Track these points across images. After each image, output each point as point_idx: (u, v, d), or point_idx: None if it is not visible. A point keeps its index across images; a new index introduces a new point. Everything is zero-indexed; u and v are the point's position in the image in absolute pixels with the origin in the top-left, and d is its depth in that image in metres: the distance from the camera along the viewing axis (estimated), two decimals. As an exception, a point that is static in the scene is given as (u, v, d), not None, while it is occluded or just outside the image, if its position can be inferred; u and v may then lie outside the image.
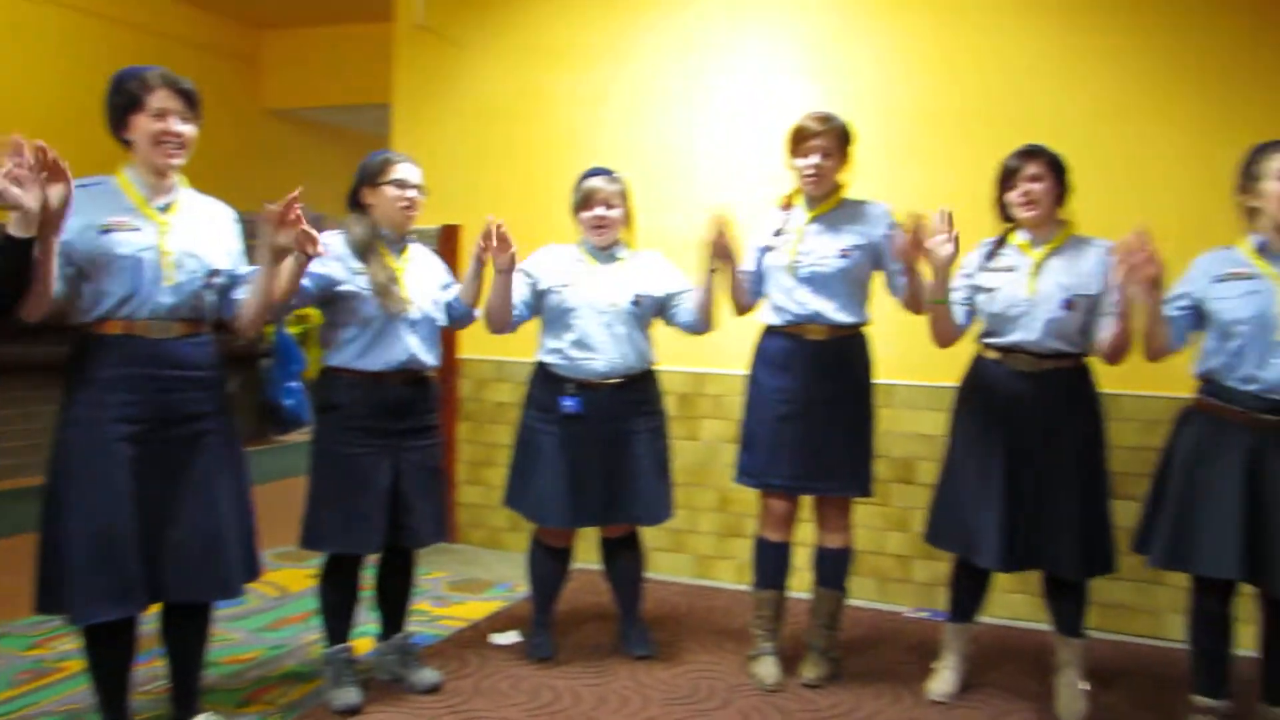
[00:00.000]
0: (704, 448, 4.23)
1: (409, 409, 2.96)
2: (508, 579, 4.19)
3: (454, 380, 4.62)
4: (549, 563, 3.36)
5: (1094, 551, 2.92)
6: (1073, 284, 2.86)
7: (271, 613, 3.77)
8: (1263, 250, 2.66)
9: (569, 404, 3.17)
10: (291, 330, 7.06)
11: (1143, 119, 3.69)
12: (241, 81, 7.46)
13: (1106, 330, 2.83)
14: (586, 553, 3.58)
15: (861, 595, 3.90)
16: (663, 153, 4.29)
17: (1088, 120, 3.71)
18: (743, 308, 3.25)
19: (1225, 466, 2.64)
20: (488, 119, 4.63)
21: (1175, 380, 3.24)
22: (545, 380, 3.25)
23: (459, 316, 3.13)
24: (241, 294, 2.63)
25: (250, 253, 2.66)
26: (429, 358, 3.00)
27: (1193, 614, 2.82)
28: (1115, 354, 2.84)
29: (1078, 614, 3.02)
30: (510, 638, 3.51)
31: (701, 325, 3.23)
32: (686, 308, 3.24)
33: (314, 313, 4.50)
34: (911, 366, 3.73)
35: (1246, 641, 2.95)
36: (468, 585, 4.16)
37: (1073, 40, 3.75)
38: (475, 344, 4.55)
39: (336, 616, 3.02)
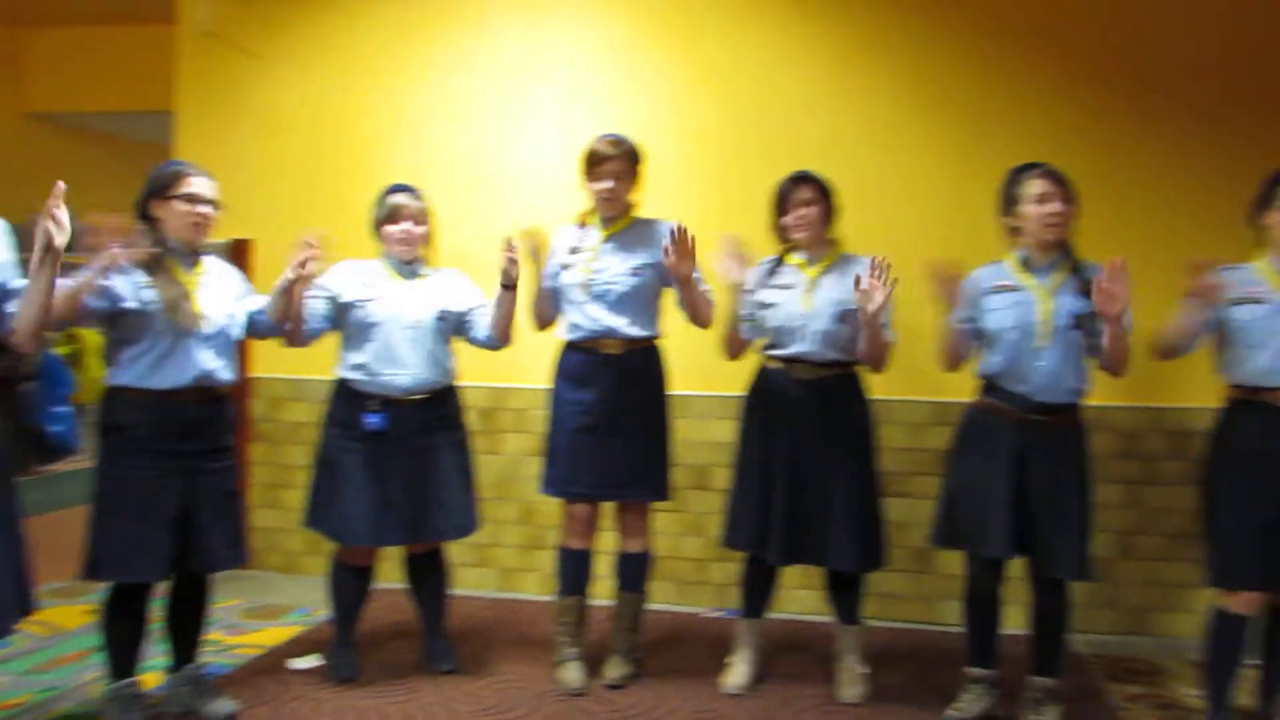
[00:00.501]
0: (507, 462, 4.27)
1: (202, 429, 2.86)
2: (306, 603, 4.08)
3: (247, 400, 4.46)
4: (351, 582, 3.31)
5: (867, 546, 3.16)
6: (844, 299, 3.10)
7: (43, 653, 3.53)
8: (1026, 264, 2.98)
9: (372, 420, 3.15)
10: (60, 350, 6.58)
11: (909, 145, 4.02)
12: (1, 83, 6.93)
13: (863, 342, 3.10)
14: (387, 572, 3.55)
15: (661, 598, 4.04)
16: (463, 168, 4.32)
17: (860, 145, 4.01)
18: (543, 323, 3.33)
19: (998, 459, 2.94)
20: (281, 130, 4.52)
21: (940, 386, 3.57)
22: (347, 397, 3.21)
23: (263, 329, 3.06)
24: (12, 307, 2.49)
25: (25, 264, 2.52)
26: (225, 374, 2.91)
27: (967, 593, 3.10)
28: (874, 363, 3.11)
29: (855, 604, 3.27)
30: (310, 662, 3.43)
31: (498, 341, 3.28)
32: (484, 324, 3.29)
33: (87, 333, 4.26)
34: (705, 377, 3.91)
35: (1015, 621, 3.26)
36: (263, 612, 4.02)
37: (845, 72, 4.05)
38: (269, 362, 4.41)
39: (121, 650, 2.88)
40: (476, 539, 3.59)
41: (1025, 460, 2.92)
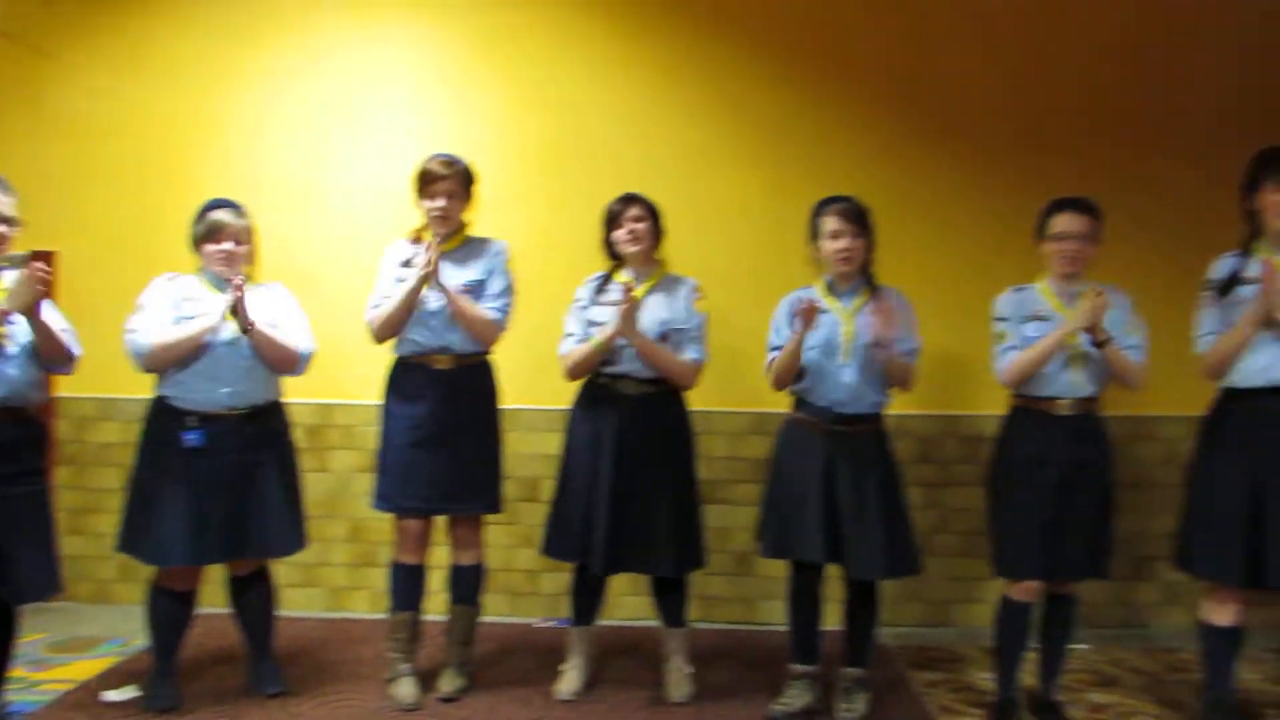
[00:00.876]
0: (335, 479, 4.22)
1: (7, 451, 2.72)
2: (120, 633, 3.90)
3: (51, 421, 4.22)
4: (171, 607, 3.20)
5: (688, 550, 3.31)
6: (668, 317, 3.25)
7: None
8: (831, 289, 3.19)
9: (191, 437, 3.07)
10: None
11: (723, 167, 4.22)
12: None
13: (687, 355, 3.26)
14: (209, 596, 3.45)
15: (494, 611, 4.07)
16: (290, 183, 4.23)
17: (677, 166, 4.18)
18: (382, 337, 3.32)
19: (809, 469, 3.13)
20: (90, 137, 4.29)
21: (759, 398, 3.76)
22: (164, 414, 3.12)
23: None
24: None
25: None
26: (32, 392, 2.78)
27: (790, 594, 3.28)
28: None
29: (680, 607, 3.41)
30: (126, 694, 3.29)
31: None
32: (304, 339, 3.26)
33: None
34: (534, 391, 3.99)
35: (834, 618, 3.46)
36: (72, 644, 3.82)
37: (663, 94, 4.21)
38: (75, 381, 4.16)
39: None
40: (304, 558, 3.55)
41: (834, 469, 3.13)
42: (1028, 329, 3.09)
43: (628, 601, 4.10)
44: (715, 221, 4.18)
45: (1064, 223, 3.07)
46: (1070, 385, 3.06)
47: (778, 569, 4.07)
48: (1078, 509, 3.06)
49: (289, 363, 3.20)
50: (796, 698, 3.24)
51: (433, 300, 3.21)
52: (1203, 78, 4.13)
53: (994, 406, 3.40)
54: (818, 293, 3.21)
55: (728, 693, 3.41)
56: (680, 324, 3.27)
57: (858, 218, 3.14)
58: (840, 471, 3.11)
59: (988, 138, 4.17)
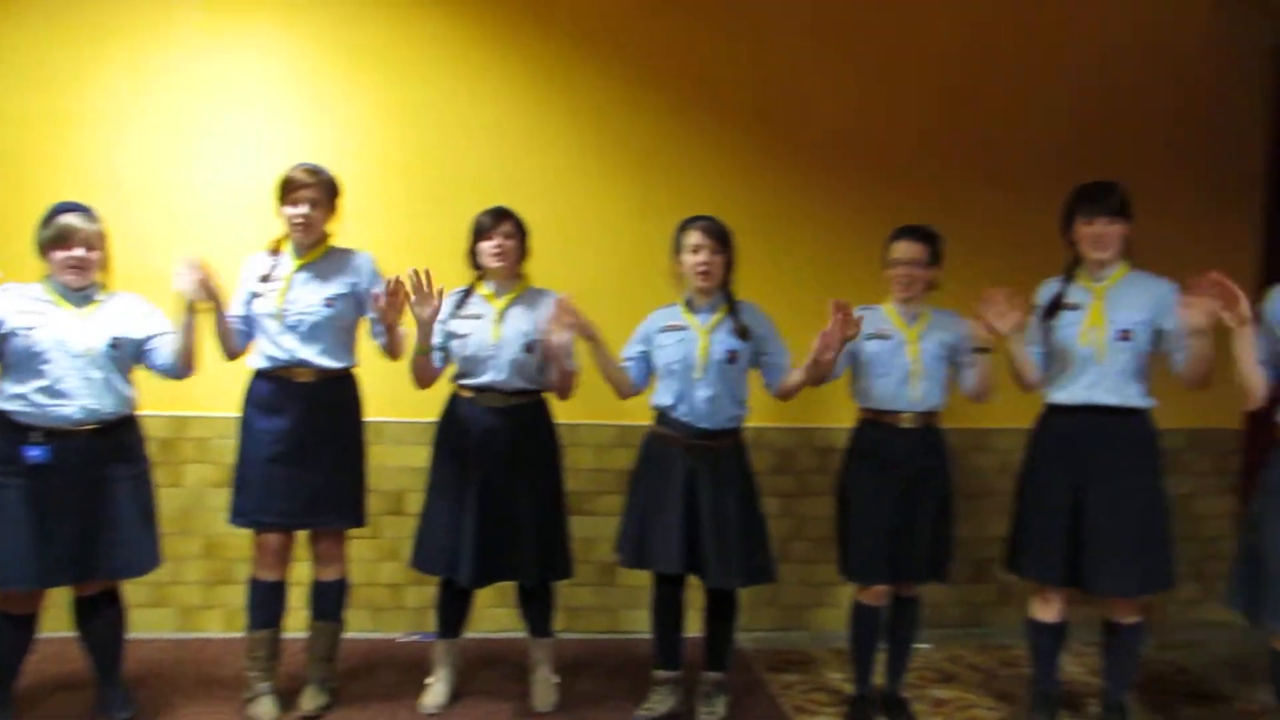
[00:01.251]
0: (188, 494, 4.08)
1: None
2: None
3: None
4: (9, 633, 3.05)
5: (554, 560, 3.37)
6: (531, 330, 3.30)
7: None
8: (690, 306, 3.30)
9: (35, 453, 2.94)
10: None
11: (588, 185, 4.27)
12: None
13: (553, 373, 3.33)
14: (50, 620, 3.29)
15: (356, 626, 4.02)
16: (144, 185, 4.07)
17: (542, 182, 4.20)
18: (232, 352, 3.26)
19: (670, 481, 3.23)
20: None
21: (623, 411, 3.84)
22: (6, 429, 2.97)
23: None
24: None
25: None
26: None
27: (654, 603, 3.37)
28: (561, 392, 3.36)
29: (546, 618, 3.46)
30: (-43, 724, 3.11)
31: (180, 369, 3.17)
32: (165, 351, 3.17)
33: None
34: (397, 403, 3.95)
35: (695, 624, 3.57)
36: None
37: (528, 110, 4.22)
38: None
39: None
40: (155, 577, 3.42)
41: (695, 482, 3.23)
42: (869, 345, 3.28)
43: (493, 613, 4.11)
44: (581, 238, 4.24)
45: (902, 250, 3.29)
46: (911, 400, 3.26)
47: (641, 578, 4.16)
48: (919, 516, 3.26)
49: (194, 365, 3.17)
50: (660, 703, 3.34)
51: (293, 313, 3.17)
52: (1035, 117, 4.43)
53: (845, 419, 3.58)
54: (679, 310, 3.32)
55: (593, 701, 3.48)
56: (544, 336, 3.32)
57: (718, 235, 3.26)
58: (701, 484, 3.22)
59: (839, 164, 4.37)
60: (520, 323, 3.31)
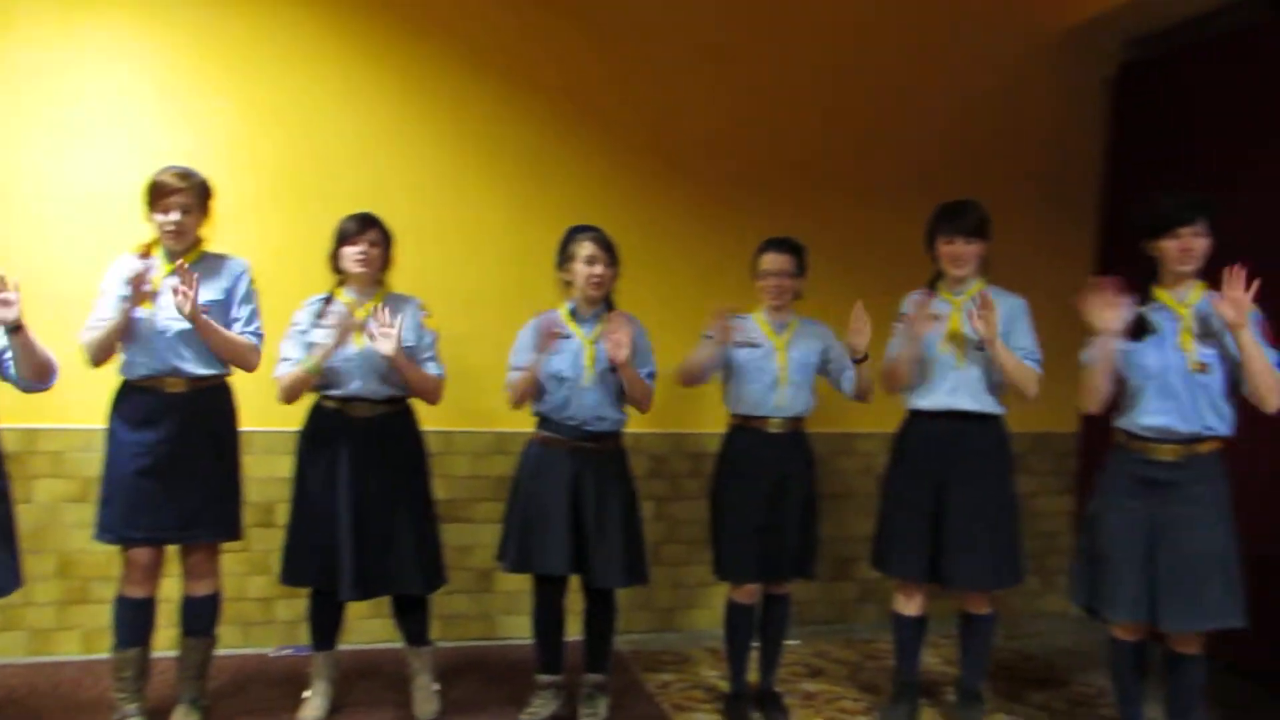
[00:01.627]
0: (41, 510, 3.88)
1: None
2: None
3: None
4: None
5: (427, 568, 3.36)
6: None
7: None
8: (574, 315, 3.36)
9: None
10: None
11: (466, 192, 4.28)
12: None
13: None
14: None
15: (227, 642, 3.91)
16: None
17: (418, 188, 4.20)
18: (98, 361, 3.13)
19: (554, 484, 3.28)
20: None
21: (499, 418, 3.87)
22: None
23: None
24: None
25: None
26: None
27: (535, 608, 3.40)
28: (428, 396, 3.37)
29: (424, 626, 3.45)
30: None
31: (32, 384, 2.99)
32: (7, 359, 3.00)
33: None
34: (268, 414, 3.85)
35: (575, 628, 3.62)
36: None
37: (403, 116, 4.21)
38: None
39: None
40: (4, 599, 3.26)
41: (579, 484, 3.29)
42: (740, 353, 3.41)
43: (368, 625, 4.07)
44: (456, 247, 4.24)
45: (770, 261, 3.43)
46: (778, 406, 3.40)
47: (518, 584, 4.20)
48: (787, 517, 3.40)
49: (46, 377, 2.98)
50: (543, 707, 3.38)
51: (162, 319, 3.08)
52: (897, 137, 4.69)
53: (716, 425, 3.70)
54: (561, 317, 3.37)
55: (475, 707, 3.49)
56: (411, 343, 3.31)
57: (610, 247, 3.33)
58: (585, 486, 3.28)
59: (713, 175, 4.51)
60: None
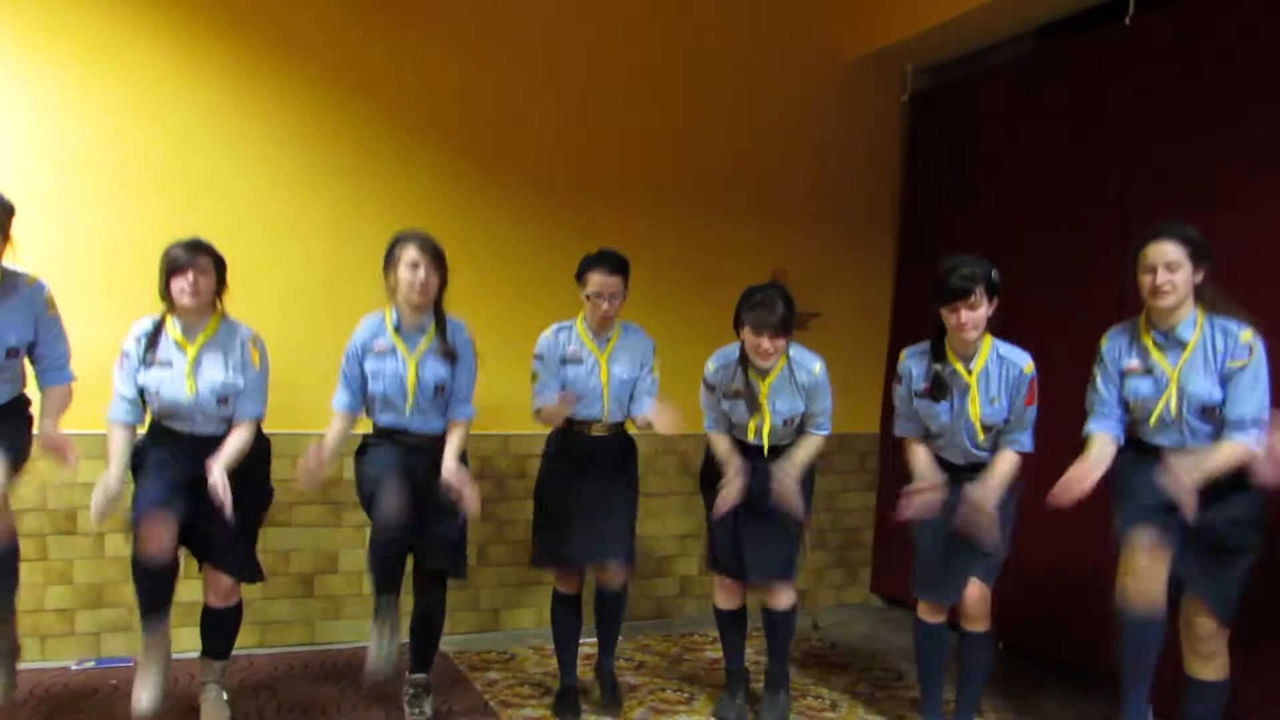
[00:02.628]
0: None
1: None
2: None
3: None
4: None
5: (245, 567, 3.27)
6: (224, 380, 3.19)
7: None
8: (398, 328, 3.32)
9: None
10: None
11: (293, 188, 4.19)
12: None
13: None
14: None
15: (25, 656, 3.69)
16: None
17: (245, 183, 4.10)
18: None
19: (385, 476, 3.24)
20: None
21: (322, 420, 3.80)
22: None
23: None
24: None
25: None
26: None
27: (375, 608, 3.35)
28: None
29: (226, 640, 3.34)
30: None
31: None
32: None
33: None
34: (75, 415, 3.67)
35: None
36: None
37: (231, 110, 4.09)
38: None
39: None
40: None
41: (413, 475, 3.26)
42: (567, 370, 3.50)
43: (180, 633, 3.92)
44: (282, 243, 4.14)
45: (598, 283, 3.43)
46: (603, 413, 3.51)
47: (340, 588, 4.17)
48: (609, 509, 3.49)
49: None
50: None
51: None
52: (701, 154, 4.89)
53: (544, 427, 3.77)
54: (386, 327, 3.33)
55: (297, 713, 3.43)
56: (234, 385, 3.23)
57: (435, 252, 3.29)
58: (417, 481, 3.26)
59: (542, 182, 4.58)
60: (213, 372, 3.19)
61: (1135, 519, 2.92)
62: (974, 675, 3.34)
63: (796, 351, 3.44)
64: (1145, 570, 2.87)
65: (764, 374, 3.41)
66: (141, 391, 3.19)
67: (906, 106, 5.24)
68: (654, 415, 3.43)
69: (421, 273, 3.25)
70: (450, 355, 3.34)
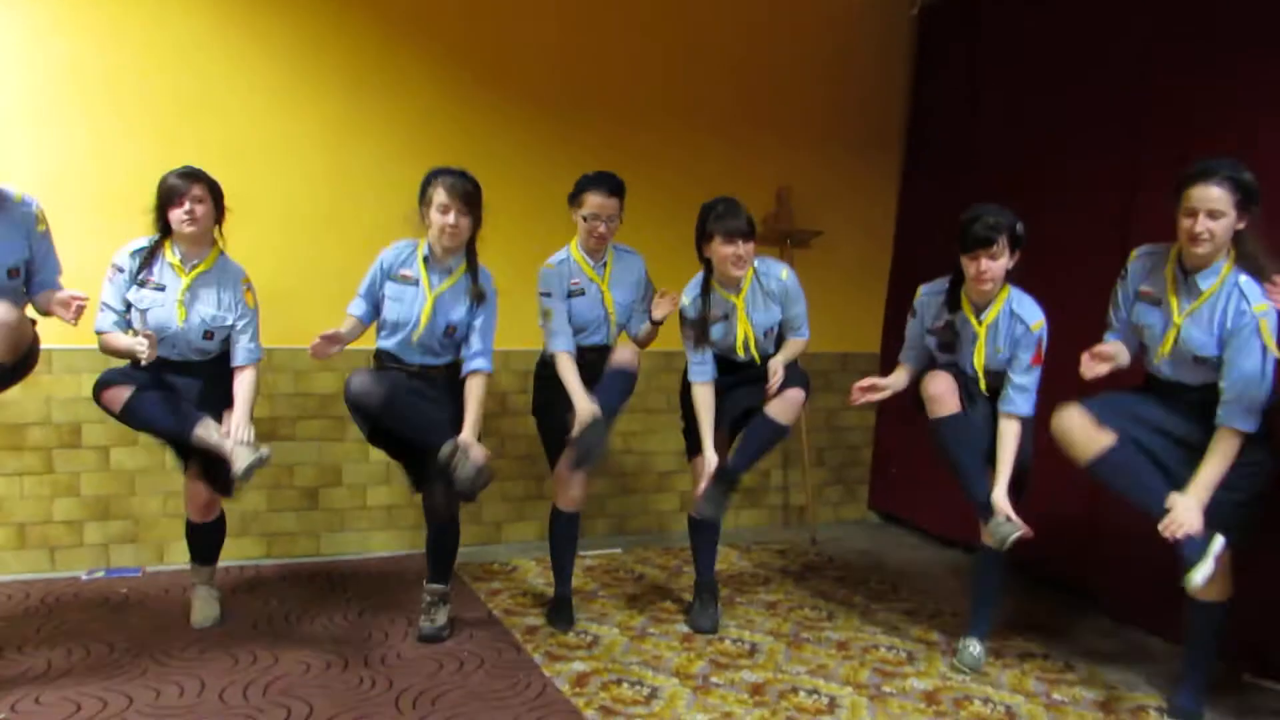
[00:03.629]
0: None
1: None
2: None
3: None
4: None
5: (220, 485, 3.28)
6: (214, 314, 3.21)
7: None
8: (428, 261, 3.29)
9: None
10: None
11: (292, 108, 4.12)
12: None
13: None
14: None
15: (34, 567, 3.77)
16: None
17: (242, 102, 4.03)
18: None
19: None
20: None
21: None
22: None
23: None
24: None
25: None
26: None
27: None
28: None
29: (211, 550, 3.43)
30: None
31: None
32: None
33: None
34: (70, 330, 3.68)
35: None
36: None
37: (227, 28, 3.99)
38: None
39: None
40: None
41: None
42: (572, 304, 3.46)
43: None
44: (280, 163, 4.08)
45: (595, 204, 3.41)
46: (605, 338, 3.52)
47: (344, 501, 4.23)
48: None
49: None
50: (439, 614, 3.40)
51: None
52: (714, 70, 4.80)
53: (538, 342, 3.76)
54: (416, 259, 3.30)
55: (304, 621, 3.49)
56: (226, 321, 3.24)
57: (468, 196, 3.20)
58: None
59: (544, 97, 4.50)
60: (205, 307, 3.20)
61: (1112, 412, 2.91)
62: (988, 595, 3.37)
63: (760, 263, 3.47)
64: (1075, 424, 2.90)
65: (735, 291, 3.43)
66: (127, 309, 3.17)
67: (915, 20, 5.13)
68: (656, 313, 3.54)
69: (451, 217, 3.19)
70: (480, 297, 3.31)
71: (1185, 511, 2.74)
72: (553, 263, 3.53)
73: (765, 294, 3.46)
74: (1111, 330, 3.09)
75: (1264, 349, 2.74)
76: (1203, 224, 2.74)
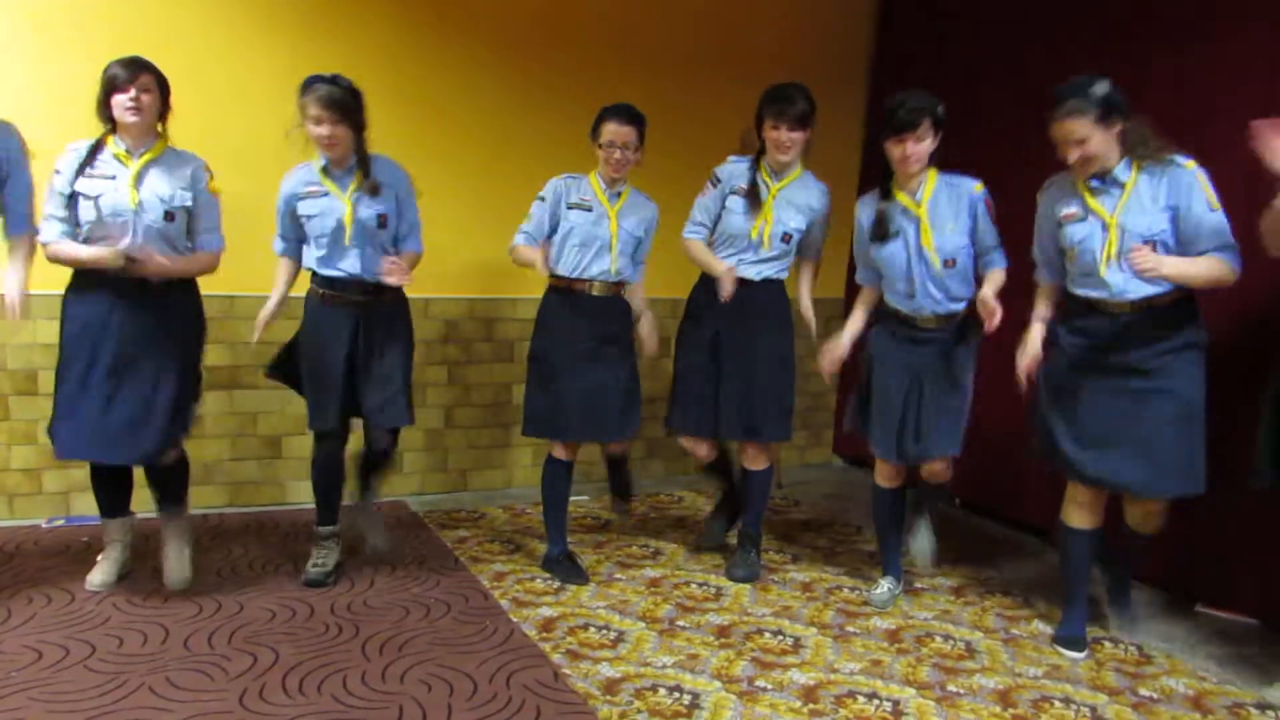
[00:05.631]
0: None
1: None
2: None
3: None
4: None
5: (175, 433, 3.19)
6: (171, 195, 3.08)
7: None
8: (327, 171, 3.23)
9: None
10: None
11: (240, 46, 4.00)
12: None
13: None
14: None
15: (-9, 515, 3.73)
16: None
17: (190, 39, 3.89)
18: None
19: (336, 340, 3.25)
20: None
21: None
22: None
23: None
24: None
25: None
26: None
27: (315, 460, 3.40)
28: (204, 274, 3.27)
29: (178, 493, 3.33)
30: None
31: None
32: None
33: None
34: (42, 276, 3.60)
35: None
36: None
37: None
38: None
39: None
40: None
41: (356, 335, 3.27)
42: (571, 214, 3.41)
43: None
44: (228, 100, 3.96)
45: (613, 133, 3.36)
46: (604, 271, 3.44)
47: (308, 450, 4.18)
48: (608, 375, 3.46)
49: None
50: (327, 557, 3.41)
51: None
52: (681, 13, 4.74)
53: (509, 290, 3.74)
54: (316, 173, 3.25)
55: (265, 567, 3.48)
56: (185, 204, 3.11)
57: (337, 103, 3.12)
58: (362, 336, 3.28)
59: (517, 38, 4.41)
60: (159, 186, 3.06)
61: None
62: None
63: (812, 177, 3.53)
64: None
65: (778, 177, 3.46)
66: (74, 204, 3.01)
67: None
68: (644, 330, 3.58)
69: (325, 128, 3.12)
70: (374, 190, 3.23)
71: (1153, 258, 2.79)
72: (562, 176, 3.48)
73: (805, 198, 3.51)
74: (1040, 266, 3.15)
75: (1208, 201, 2.81)
76: (1075, 153, 2.85)
